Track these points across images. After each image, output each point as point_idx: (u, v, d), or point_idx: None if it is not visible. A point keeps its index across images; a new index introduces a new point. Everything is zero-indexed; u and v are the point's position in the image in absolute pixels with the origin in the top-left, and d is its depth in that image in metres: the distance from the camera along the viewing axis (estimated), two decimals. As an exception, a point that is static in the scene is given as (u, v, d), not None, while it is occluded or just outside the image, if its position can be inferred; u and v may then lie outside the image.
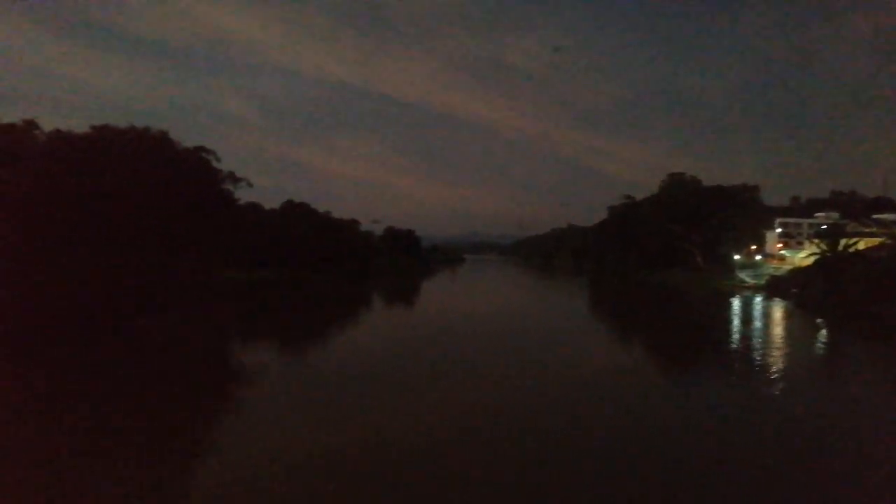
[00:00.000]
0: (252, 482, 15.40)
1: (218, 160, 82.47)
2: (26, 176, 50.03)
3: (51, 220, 52.13)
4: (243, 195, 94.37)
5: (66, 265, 55.02)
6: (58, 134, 64.07)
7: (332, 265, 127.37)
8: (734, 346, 38.88)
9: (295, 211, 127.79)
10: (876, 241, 75.91)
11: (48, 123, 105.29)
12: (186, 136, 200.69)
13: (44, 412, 22.18)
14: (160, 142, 73.05)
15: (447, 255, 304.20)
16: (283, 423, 20.88)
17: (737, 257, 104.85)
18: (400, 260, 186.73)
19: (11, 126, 56.94)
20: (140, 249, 65.14)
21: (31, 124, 59.37)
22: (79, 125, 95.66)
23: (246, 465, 16.61)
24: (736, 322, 51.61)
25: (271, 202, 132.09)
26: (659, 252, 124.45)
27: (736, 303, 68.36)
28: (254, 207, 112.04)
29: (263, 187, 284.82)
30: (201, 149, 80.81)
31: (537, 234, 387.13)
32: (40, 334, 40.53)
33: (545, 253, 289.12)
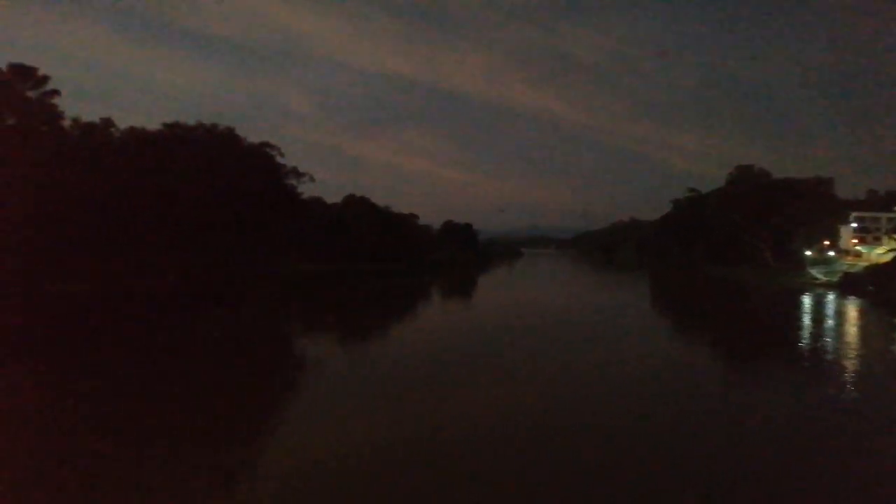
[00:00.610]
0: (312, 466, 15.84)
1: (282, 155, 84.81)
2: (104, 172, 52.62)
3: (127, 213, 54.72)
4: (306, 189, 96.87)
5: (142, 257, 57.65)
6: (132, 131, 67.14)
7: (391, 258, 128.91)
8: (806, 346, 37.37)
9: (356, 205, 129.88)
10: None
11: (123, 121, 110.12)
12: (252, 132, 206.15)
13: (125, 391, 23.41)
14: (227, 138, 75.56)
15: (505, 249, 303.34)
16: (343, 412, 21.34)
17: (808, 253, 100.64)
18: (458, 253, 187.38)
19: (91, 124, 59.92)
20: (210, 242, 67.64)
21: (108, 122, 62.45)
22: (151, 122, 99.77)
23: (304, 450, 17.10)
24: (807, 321, 49.63)
25: (333, 196, 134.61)
26: (725, 247, 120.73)
27: (807, 300, 65.68)
28: (316, 201, 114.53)
29: (325, 182, 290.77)
30: (266, 144, 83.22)
31: (598, 227, 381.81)
32: (119, 323, 42.61)
33: (606, 247, 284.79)
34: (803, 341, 38.91)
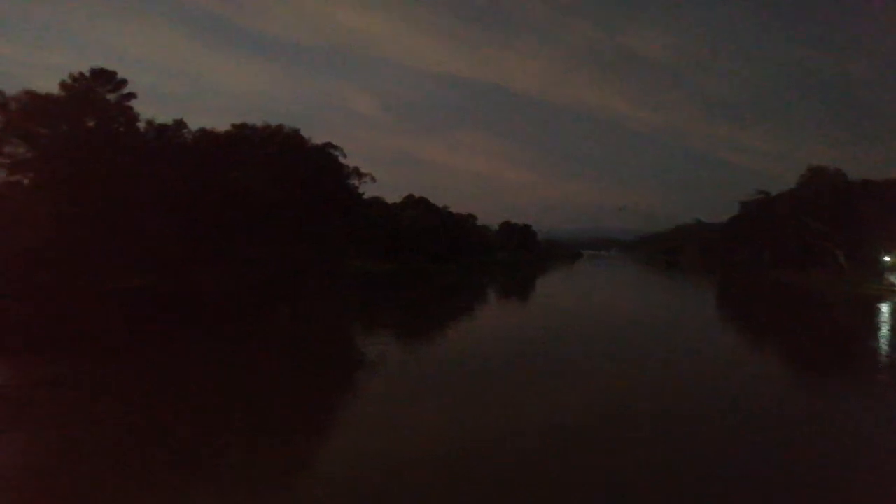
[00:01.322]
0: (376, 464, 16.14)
1: (344, 156, 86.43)
2: (176, 171, 54.83)
3: (196, 211, 56.88)
4: (367, 189, 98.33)
5: (209, 253, 59.82)
6: (203, 132, 69.72)
7: (450, 258, 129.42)
8: (884, 361, 35.42)
9: (415, 205, 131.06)
10: None
11: (194, 122, 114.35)
12: (316, 133, 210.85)
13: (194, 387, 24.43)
14: (292, 138, 77.53)
15: (565, 251, 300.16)
16: (405, 409, 21.64)
17: (887, 259, 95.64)
18: (516, 254, 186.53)
19: (164, 126, 62.54)
20: (274, 239, 69.59)
21: (180, 124, 65.03)
22: (221, 123, 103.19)
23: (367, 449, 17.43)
24: (885, 331, 47.19)
25: (393, 196, 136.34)
26: (795, 251, 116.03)
27: (885, 309, 62.45)
28: (376, 201, 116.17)
29: (385, 182, 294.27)
30: (329, 145, 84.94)
31: (661, 229, 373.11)
32: (189, 317, 44.36)
33: (669, 249, 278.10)
34: (882, 356, 37.01)
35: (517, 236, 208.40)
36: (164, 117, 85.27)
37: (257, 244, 66.53)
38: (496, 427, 19.88)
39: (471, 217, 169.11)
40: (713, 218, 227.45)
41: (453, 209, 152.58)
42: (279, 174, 70.36)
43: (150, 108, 72.68)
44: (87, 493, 14.88)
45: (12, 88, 53.42)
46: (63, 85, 53.21)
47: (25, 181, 48.83)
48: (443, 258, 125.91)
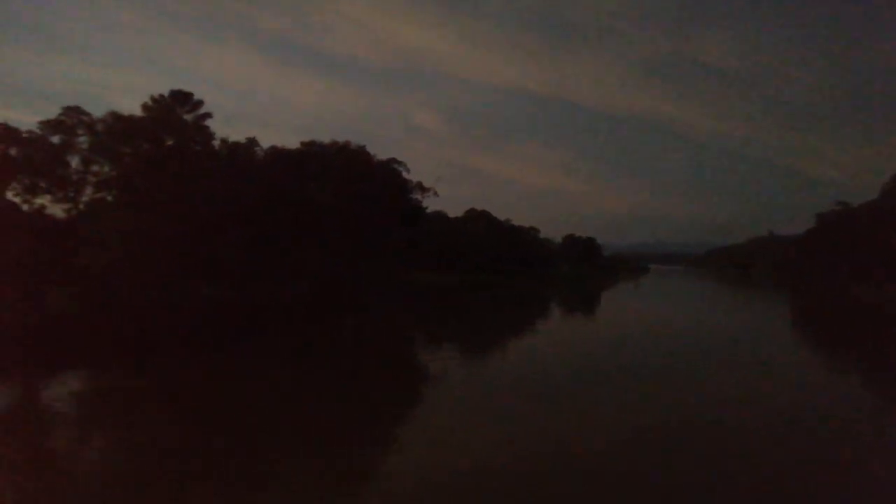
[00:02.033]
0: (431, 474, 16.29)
1: (408, 171, 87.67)
2: (249, 187, 56.90)
3: (268, 225, 58.82)
4: (430, 203, 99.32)
5: (281, 266, 61.68)
6: (273, 149, 72.17)
7: (512, 272, 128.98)
8: None
9: (477, 219, 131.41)
10: None
11: (265, 140, 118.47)
12: (380, 149, 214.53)
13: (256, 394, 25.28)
14: (358, 155, 79.26)
15: (630, 265, 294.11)
16: (466, 424, 21.70)
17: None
18: (580, 268, 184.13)
19: (237, 143, 65.07)
20: (341, 253, 71.21)
21: (252, 142, 67.49)
22: (291, 141, 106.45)
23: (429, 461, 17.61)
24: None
25: (455, 210, 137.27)
26: (877, 266, 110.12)
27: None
28: (439, 215, 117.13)
29: (448, 196, 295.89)
30: (393, 160, 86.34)
31: (731, 243, 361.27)
32: (258, 328, 45.81)
33: (741, 264, 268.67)
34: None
35: (581, 249, 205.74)
36: (237, 136, 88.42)
37: (323, 257, 68.20)
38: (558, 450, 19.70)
39: (533, 230, 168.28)
40: (787, 231, 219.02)
41: (515, 222, 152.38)
42: (345, 189, 72.05)
43: (224, 127, 75.67)
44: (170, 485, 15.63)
45: (97, 110, 56.86)
46: (144, 106, 56.27)
47: (109, 198, 51.71)
48: (505, 271, 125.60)
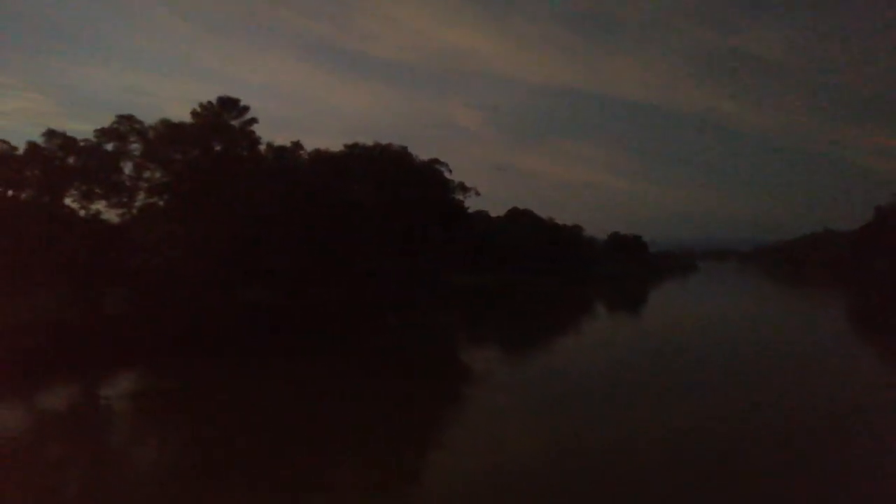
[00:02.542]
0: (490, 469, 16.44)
1: (449, 171, 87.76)
2: (294, 190, 57.99)
3: (311, 227, 59.87)
4: (472, 203, 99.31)
5: (325, 267, 62.70)
6: (317, 152, 73.32)
7: (556, 271, 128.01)
8: None
9: (519, 217, 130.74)
10: None
11: (310, 143, 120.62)
12: (422, 150, 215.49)
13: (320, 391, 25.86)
14: (400, 156, 79.84)
15: (678, 262, 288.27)
16: (514, 423, 21.78)
17: None
18: (626, 266, 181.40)
19: (283, 148, 66.36)
20: (383, 254, 72.00)
21: (297, 146, 68.71)
22: (334, 144, 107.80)
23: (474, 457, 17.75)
24: None
25: (497, 209, 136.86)
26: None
27: None
28: (480, 214, 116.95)
29: (490, 195, 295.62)
30: (435, 161, 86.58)
31: (783, 238, 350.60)
32: (306, 328, 46.74)
33: (794, 260, 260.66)
34: None
35: (626, 247, 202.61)
36: (283, 140, 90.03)
37: (367, 258, 69.05)
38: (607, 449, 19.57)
39: (577, 228, 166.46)
40: (843, 225, 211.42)
41: (559, 221, 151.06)
42: (388, 190, 72.77)
43: (270, 132, 77.13)
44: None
45: (148, 118, 58.66)
46: (193, 113, 57.90)
47: (160, 203, 53.38)
48: (548, 271, 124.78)
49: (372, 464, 18.21)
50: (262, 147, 62.32)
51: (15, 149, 46.50)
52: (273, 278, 57.66)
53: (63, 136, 48.21)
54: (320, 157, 72.46)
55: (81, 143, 48.69)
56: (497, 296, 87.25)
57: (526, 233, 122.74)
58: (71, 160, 48.12)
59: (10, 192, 46.63)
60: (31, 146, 46.90)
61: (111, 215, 50.87)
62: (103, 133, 50.06)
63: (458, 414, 25.27)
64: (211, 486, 16.41)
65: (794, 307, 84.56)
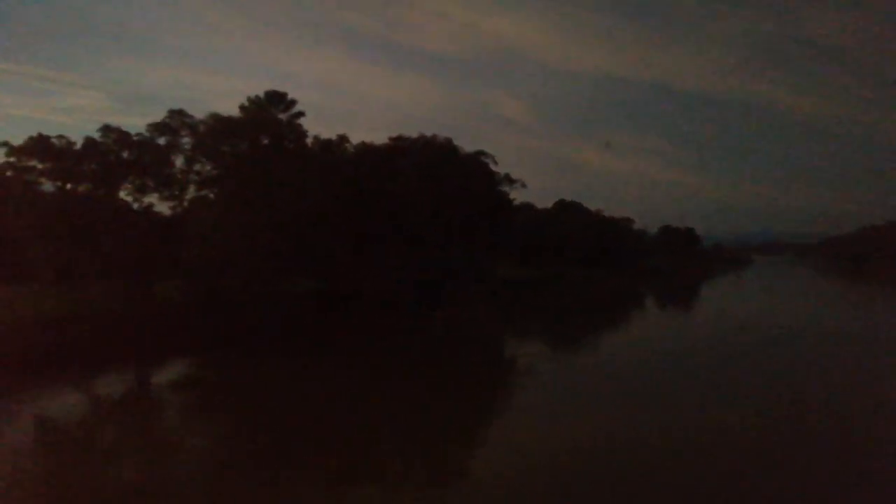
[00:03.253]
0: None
1: (495, 163, 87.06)
2: (339, 183, 58.50)
3: (356, 219, 60.32)
4: (518, 195, 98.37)
5: (370, 259, 63.14)
6: (363, 145, 73.72)
7: (604, 264, 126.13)
8: None
9: (567, 210, 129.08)
10: None
11: (355, 137, 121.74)
12: (467, 142, 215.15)
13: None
14: (446, 148, 79.59)
15: (732, 255, 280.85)
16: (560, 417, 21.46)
17: None
18: (677, 260, 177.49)
19: (329, 141, 66.93)
20: (429, 246, 72.08)
21: (343, 138, 69.16)
22: (380, 136, 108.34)
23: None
24: None
25: (544, 201, 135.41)
26: None
27: None
28: (527, 207, 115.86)
29: (537, 187, 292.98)
30: (481, 153, 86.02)
31: (845, 232, 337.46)
32: (352, 320, 47.15)
33: (855, 255, 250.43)
34: None
35: (678, 240, 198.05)
36: (329, 133, 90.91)
37: (412, 250, 69.24)
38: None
39: (627, 221, 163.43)
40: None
41: (608, 213, 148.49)
42: (433, 183, 72.66)
43: (316, 125, 77.98)
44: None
45: (198, 112, 59.92)
46: (242, 107, 58.96)
47: (210, 195, 54.60)
48: (596, 264, 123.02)
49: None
50: (309, 140, 63.01)
51: (73, 144, 48.15)
52: (319, 270, 58.38)
53: (118, 130, 49.69)
54: (366, 149, 72.80)
55: (135, 138, 50.10)
56: (543, 289, 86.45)
57: (574, 225, 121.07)
58: (125, 154, 49.58)
59: (68, 186, 48.31)
60: (89, 141, 48.48)
61: (163, 208, 52.40)
62: (156, 128, 51.40)
63: (513, 407, 25.09)
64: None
65: (857, 309, 76.08)
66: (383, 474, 17.05)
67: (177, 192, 51.92)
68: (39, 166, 47.37)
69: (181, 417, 24.68)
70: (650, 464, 17.12)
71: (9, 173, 48.53)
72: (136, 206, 50.50)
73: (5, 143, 46.69)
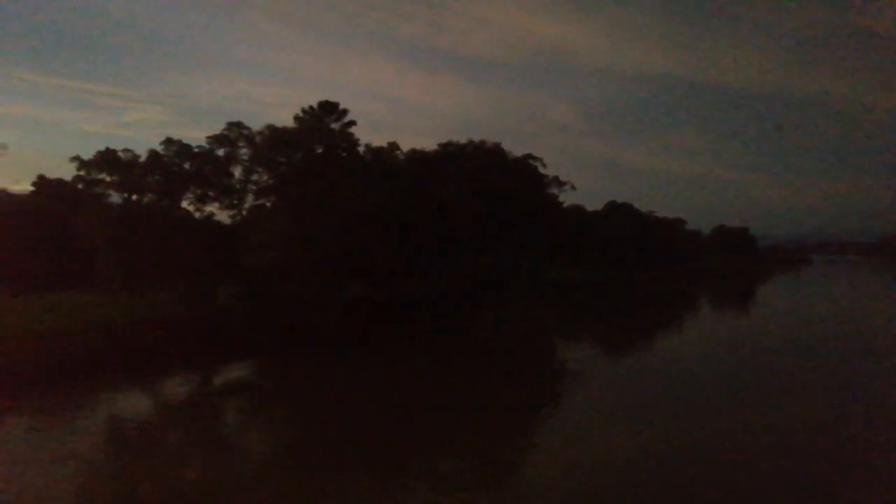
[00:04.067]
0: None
1: (544, 166, 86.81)
2: (390, 189, 59.32)
3: (408, 224, 61.07)
4: (567, 198, 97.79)
5: (421, 265, 63.82)
6: (413, 152, 74.56)
7: (657, 266, 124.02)
8: None
9: (617, 212, 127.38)
10: None
11: (406, 144, 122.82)
12: (516, 146, 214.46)
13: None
14: (494, 153, 79.82)
15: (789, 256, 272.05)
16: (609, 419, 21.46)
17: None
18: (732, 261, 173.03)
19: (380, 148, 67.95)
20: (478, 250, 72.41)
21: (393, 146, 70.09)
22: (429, 143, 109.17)
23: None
24: None
25: (595, 204, 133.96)
26: None
27: None
28: (577, 209, 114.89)
29: (587, 189, 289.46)
30: (529, 156, 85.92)
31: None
32: (403, 325, 47.80)
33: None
34: None
35: (732, 241, 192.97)
36: (380, 140, 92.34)
37: (462, 255, 69.66)
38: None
39: (679, 222, 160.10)
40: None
41: (660, 214, 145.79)
42: (482, 187, 72.95)
43: (368, 133, 79.26)
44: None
45: (255, 123, 61.69)
46: (296, 118, 60.44)
47: (267, 204, 56.12)
48: (648, 266, 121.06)
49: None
50: (361, 148, 64.01)
51: (138, 157, 50.28)
52: (372, 275, 59.28)
53: (179, 143, 51.63)
54: (416, 156, 73.61)
55: (195, 150, 51.95)
56: (591, 292, 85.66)
57: (624, 227, 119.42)
58: (187, 166, 51.46)
59: (134, 197, 50.42)
60: (152, 154, 50.52)
61: (223, 216, 54.17)
62: (215, 139, 53.18)
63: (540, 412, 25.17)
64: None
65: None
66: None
67: (236, 202, 53.58)
68: (108, 179, 49.65)
69: (248, 414, 25.67)
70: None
71: (80, 186, 51.03)
72: (197, 215, 52.34)
73: (76, 158, 49.17)
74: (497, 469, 18.03)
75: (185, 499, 16.21)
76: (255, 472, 18.08)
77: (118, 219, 48.02)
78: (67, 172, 72.39)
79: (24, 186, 74.64)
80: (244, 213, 54.50)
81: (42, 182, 66.54)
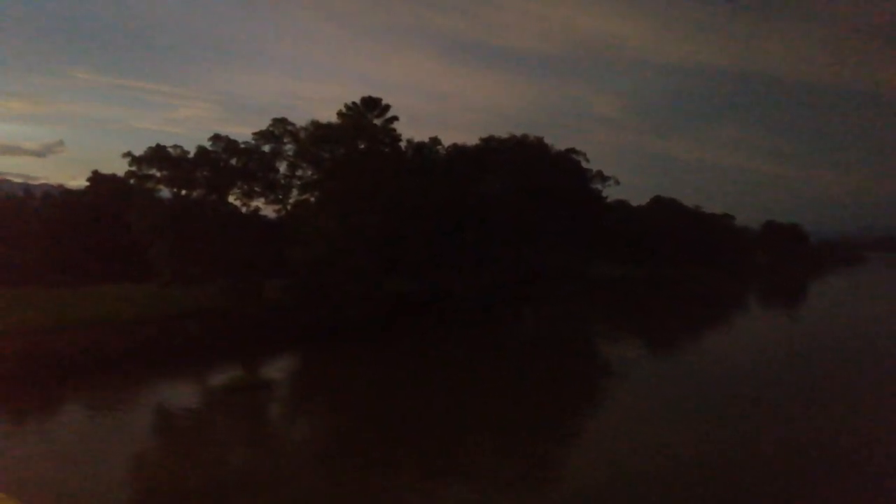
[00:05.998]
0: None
1: (587, 160, 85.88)
2: (432, 184, 59.56)
3: (452, 221, 61.20)
4: (611, 192, 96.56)
5: (463, 259, 63.90)
6: (454, 147, 74.67)
7: (703, 262, 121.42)
8: None
9: (663, 206, 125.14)
10: None
11: (447, 139, 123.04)
12: (558, 140, 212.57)
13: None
14: (536, 147, 79.34)
15: (842, 253, 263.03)
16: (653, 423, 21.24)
17: None
18: (782, 257, 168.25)
19: (421, 143, 68.23)
20: (520, 245, 72.11)
21: (435, 141, 70.32)
22: (471, 138, 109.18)
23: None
24: None
25: (639, 198, 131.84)
26: None
27: None
28: (621, 204, 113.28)
29: (631, 184, 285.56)
30: (572, 150, 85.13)
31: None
32: (446, 320, 48.01)
33: None
34: None
35: (783, 237, 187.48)
36: (422, 135, 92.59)
37: (504, 250, 69.47)
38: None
39: (727, 217, 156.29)
40: None
41: (707, 209, 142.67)
42: (524, 182, 72.56)
43: (410, 128, 79.75)
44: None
45: (299, 119, 62.59)
46: (339, 113, 61.25)
47: (312, 199, 57.01)
48: (695, 262, 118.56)
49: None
50: (403, 143, 64.48)
51: (187, 153, 51.60)
52: (415, 269, 59.63)
53: (226, 139, 52.78)
54: (457, 151, 73.70)
55: (242, 146, 53.03)
56: (638, 289, 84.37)
57: (670, 222, 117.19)
58: (234, 161, 52.57)
59: (183, 192, 51.79)
60: (201, 150, 51.76)
61: (269, 211, 55.23)
62: (261, 135, 54.20)
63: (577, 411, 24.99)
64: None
65: None
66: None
67: (281, 196, 54.54)
68: (158, 174, 51.06)
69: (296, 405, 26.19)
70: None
71: (132, 181, 52.67)
72: (244, 209, 53.47)
73: (129, 154, 50.73)
74: (545, 470, 18.08)
75: (239, 484, 16.78)
76: (303, 463, 18.53)
77: (169, 212, 49.37)
78: (120, 168, 75.04)
79: (79, 182, 77.68)
80: (289, 207, 55.46)
81: (97, 177, 68.97)
